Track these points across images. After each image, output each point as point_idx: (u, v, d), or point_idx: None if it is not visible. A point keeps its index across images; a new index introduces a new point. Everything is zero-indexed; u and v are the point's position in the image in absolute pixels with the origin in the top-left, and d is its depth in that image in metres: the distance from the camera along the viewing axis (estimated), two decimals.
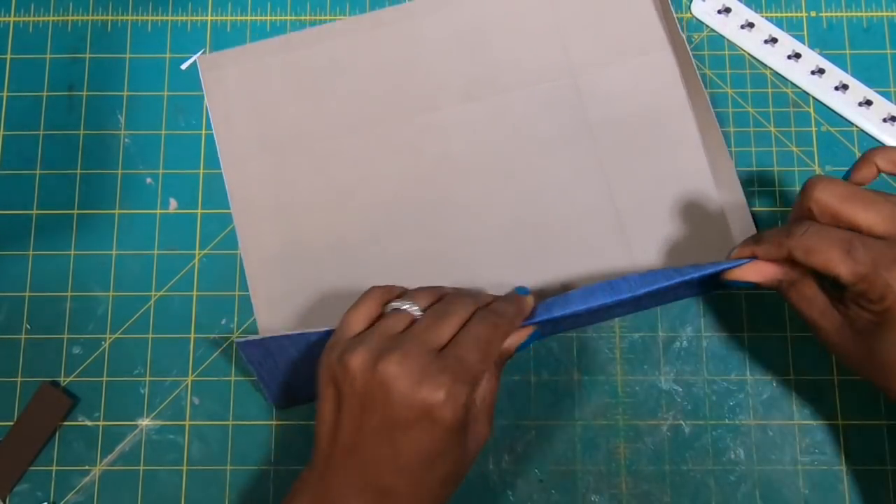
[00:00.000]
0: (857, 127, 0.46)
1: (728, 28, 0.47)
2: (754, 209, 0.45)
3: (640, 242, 0.44)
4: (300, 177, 0.45)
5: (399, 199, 0.45)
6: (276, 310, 0.44)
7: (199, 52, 0.47)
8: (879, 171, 0.35)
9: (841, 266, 0.33)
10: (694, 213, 0.44)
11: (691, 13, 0.48)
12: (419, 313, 0.36)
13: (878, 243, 0.32)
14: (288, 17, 0.48)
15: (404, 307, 0.36)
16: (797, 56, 0.47)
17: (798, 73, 0.47)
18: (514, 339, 0.37)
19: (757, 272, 0.36)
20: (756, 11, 0.48)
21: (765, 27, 0.47)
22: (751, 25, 0.47)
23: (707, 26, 0.48)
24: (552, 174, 0.45)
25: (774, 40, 0.47)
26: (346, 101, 0.46)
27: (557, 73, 0.46)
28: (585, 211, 0.45)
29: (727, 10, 0.48)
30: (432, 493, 0.34)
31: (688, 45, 0.46)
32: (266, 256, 0.44)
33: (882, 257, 0.32)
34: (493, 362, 0.36)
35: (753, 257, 0.37)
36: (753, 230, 0.44)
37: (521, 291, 0.39)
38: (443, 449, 0.33)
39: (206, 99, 0.46)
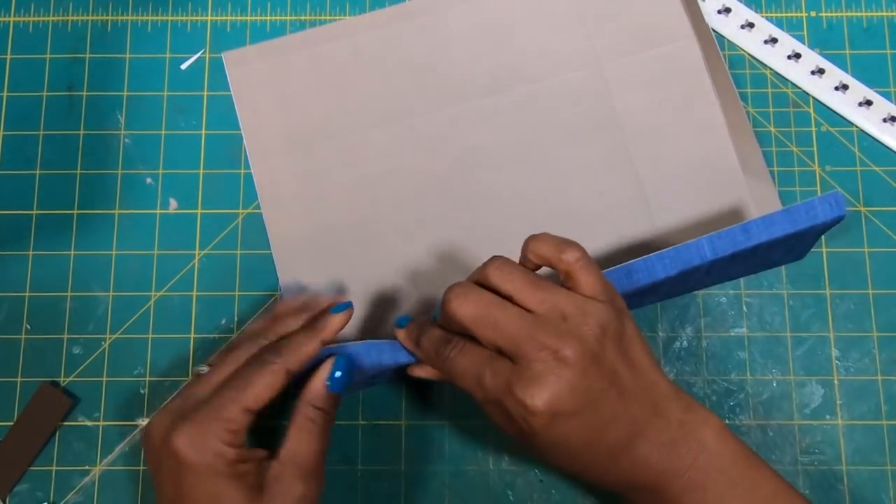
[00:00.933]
0: (857, 127, 0.46)
1: (728, 28, 0.47)
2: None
3: (669, 229, 0.44)
4: (328, 170, 0.45)
5: (427, 191, 0.45)
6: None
7: (199, 52, 0.47)
8: (539, 262, 0.35)
9: (476, 393, 0.34)
10: (722, 199, 0.44)
11: None
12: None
13: (505, 368, 0.33)
14: (288, 17, 0.48)
15: (201, 369, 0.37)
16: (797, 56, 0.47)
17: (798, 73, 0.47)
18: (315, 381, 0.36)
19: (429, 371, 0.37)
20: (756, 11, 0.48)
21: (765, 27, 0.47)
22: (751, 25, 0.47)
23: None
24: (580, 163, 0.45)
25: (774, 40, 0.47)
26: (371, 94, 0.46)
27: (583, 62, 0.46)
28: (614, 199, 0.45)
29: (727, 10, 0.48)
30: None
31: (712, 33, 0.46)
32: (295, 249, 0.44)
33: (504, 384, 0.32)
34: (260, 402, 0.34)
35: (414, 353, 0.37)
36: None
37: (339, 308, 0.38)
38: (213, 493, 0.32)
39: (232, 94, 0.46)
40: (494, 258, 0.35)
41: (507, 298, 0.34)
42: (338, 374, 0.36)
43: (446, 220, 0.45)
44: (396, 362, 0.38)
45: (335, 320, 0.37)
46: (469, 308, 0.34)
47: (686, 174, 0.45)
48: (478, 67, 0.46)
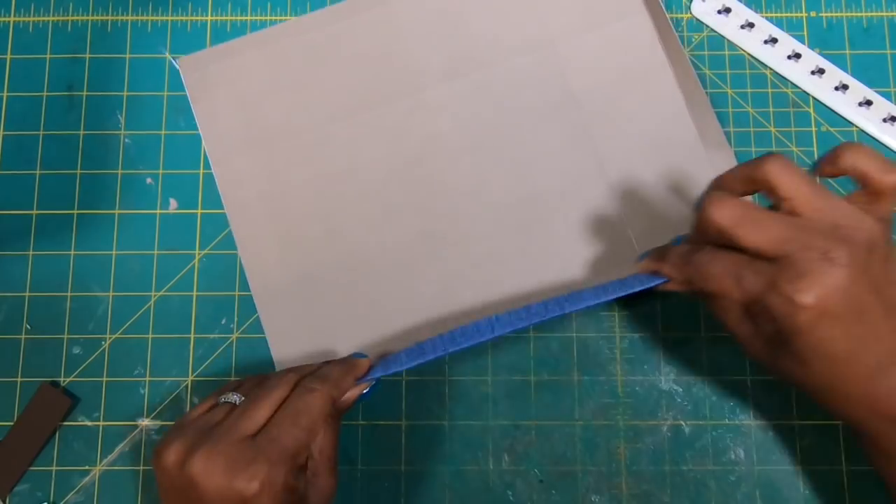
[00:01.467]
0: (857, 127, 0.46)
1: (728, 28, 0.47)
2: None
3: (632, 206, 0.45)
4: (290, 169, 0.45)
5: (391, 182, 0.45)
6: (277, 303, 0.44)
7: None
8: (844, 172, 0.35)
9: (733, 293, 0.33)
10: (683, 171, 0.45)
11: (691, 13, 0.48)
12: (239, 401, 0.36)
13: (767, 267, 0.32)
14: (288, 18, 0.48)
15: (230, 398, 0.36)
16: (797, 56, 0.47)
17: (798, 73, 0.47)
18: (350, 393, 0.38)
19: (670, 285, 0.37)
20: (756, 11, 0.48)
21: (765, 27, 0.47)
22: (751, 25, 0.47)
23: (707, 26, 0.48)
24: (540, 145, 0.45)
25: (774, 40, 0.47)
26: (329, 90, 0.46)
27: (536, 44, 0.46)
28: (576, 179, 0.45)
29: (727, 11, 0.48)
30: None
31: (664, 8, 0.46)
32: (263, 250, 0.44)
33: (770, 282, 0.32)
34: (318, 429, 0.35)
35: (657, 272, 0.37)
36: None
37: (356, 356, 0.40)
38: None
39: (190, 100, 0.46)
40: (774, 155, 0.34)
41: (778, 201, 0.33)
42: (367, 390, 0.38)
43: (412, 209, 0.45)
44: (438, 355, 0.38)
45: (364, 362, 0.39)
46: (728, 212, 0.33)
47: (646, 148, 0.45)
48: (433, 56, 0.46)
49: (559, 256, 0.44)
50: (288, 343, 0.44)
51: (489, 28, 0.47)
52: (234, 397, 0.36)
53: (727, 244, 0.34)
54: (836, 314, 0.31)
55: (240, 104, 0.46)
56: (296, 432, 0.34)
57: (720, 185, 0.36)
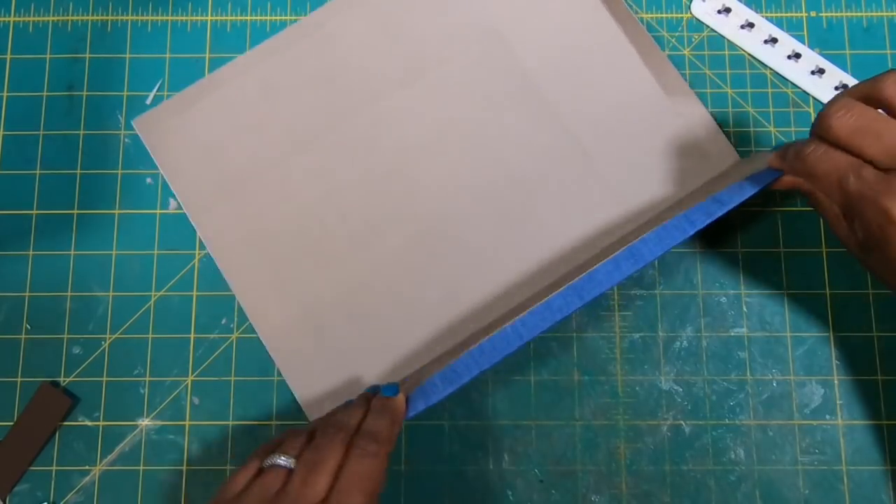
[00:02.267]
0: None
1: (728, 28, 0.47)
2: (755, 209, 0.45)
3: (614, 174, 0.45)
4: (267, 207, 0.45)
5: (370, 198, 0.45)
6: (288, 345, 0.43)
7: (157, 84, 0.47)
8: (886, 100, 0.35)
9: (833, 194, 0.35)
10: (651, 124, 0.45)
11: (691, 13, 0.48)
12: (293, 464, 0.35)
13: (873, 176, 0.34)
14: (288, 17, 0.48)
15: (279, 462, 0.35)
16: (797, 56, 0.47)
17: (798, 73, 0.47)
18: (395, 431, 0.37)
19: (782, 182, 0.38)
20: (756, 11, 0.48)
21: (765, 27, 0.47)
22: (751, 25, 0.47)
23: (707, 26, 0.48)
24: (510, 131, 0.46)
25: (774, 40, 0.47)
26: (288, 120, 0.46)
27: (482, 33, 0.47)
28: (553, 157, 0.45)
29: (727, 11, 0.48)
30: None
31: None
32: (260, 295, 0.44)
33: (870, 191, 0.33)
34: (380, 490, 0.35)
35: (775, 168, 0.38)
36: (719, 134, 0.45)
37: (387, 392, 0.38)
38: None
39: (154, 159, 0.45)
40: (893, 71, 0.34)
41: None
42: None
43: (397, 220, 0.45)
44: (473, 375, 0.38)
45: (400, 401, 0.38)
46: (851, 119, 0.34)
47: (611, 111, 0.45)
48: (385, 65, 0.46)
49: (554, 234, 0.44)
50: (309, 383, 0.43)
51: (434, 25, 0.47)
52: (283, 461, 0.35)
53: (845, 149, 0.34)
54: None
55: (203, 153, 0.45)
56: (361, 497, 0.34)
57: (860, 88, 0.35)
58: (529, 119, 0.46)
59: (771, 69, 0.47)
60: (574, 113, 0.46)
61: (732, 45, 0.47)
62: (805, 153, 0.36)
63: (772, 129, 0.46)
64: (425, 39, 0.47)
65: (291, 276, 0.44)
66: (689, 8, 0.48)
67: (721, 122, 0.46)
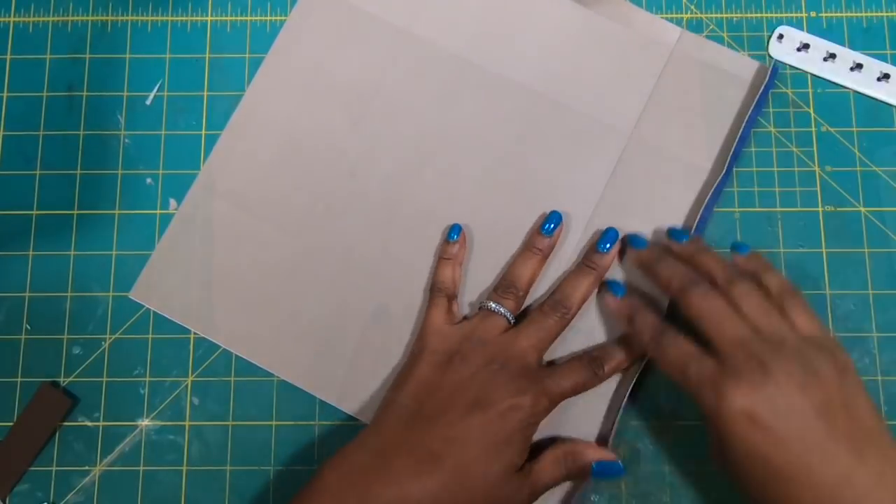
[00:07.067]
0: (857, 127, 0.46)
1: (810, 63, 0.47)
2: (754, 209, 0.45)
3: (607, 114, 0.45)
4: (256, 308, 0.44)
5: (366, 246, 0.44)
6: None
7: (157, 84, 0.47)
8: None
9: (680, 381, 0.36)
10: (598, 49, 0.46)
11: (767, 52, 0.48)
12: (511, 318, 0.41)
13: (709, 364, 0.35)
14: (287, 19, 0.48)
15: (502, 312, 0.41)
16: (886, 77, 0.46)
17: (890, 94, 0.46)
18: (597, 454, 0.40)
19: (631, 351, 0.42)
20: (756, 11, 0.48)
21: (847, 56, 0.46)
22: (833, 56, 0.46)
23: (788, 65, 0.48)
24: (498, 146, 0.45)
25: (860, 66, 0.46)
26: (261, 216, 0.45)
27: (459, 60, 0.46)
28: (549, 147, 0.45)
29: (806, 47, 0.47)
30: (474, 481, 0.36)
31: None
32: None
33: (707, 378, 0.35)
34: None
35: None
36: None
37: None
38: (501, 440, 0.37)
39: (169, 318, 0.44)
40: (709, 293, 0.37)
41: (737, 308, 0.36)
42: (599, 469, 0.40)
43: (396, 268, 0.44)
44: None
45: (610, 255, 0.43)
46: (707, 305, 0.37)
47: (571, 64, 0.46)
48: (332, 114, 0.46)
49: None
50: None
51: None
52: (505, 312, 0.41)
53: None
54: (763, 425, 0.33)
55: (205, 288, 0.44)
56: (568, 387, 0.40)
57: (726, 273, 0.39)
58: (516, 125, 0.46)
59: (855, 91, 0.46)
60: (547, 94, 0.46)
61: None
62: (660, 341, 0.38)
63: (772, 129, 0.46)
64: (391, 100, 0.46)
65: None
66: (767, 48, 0.47)
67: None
